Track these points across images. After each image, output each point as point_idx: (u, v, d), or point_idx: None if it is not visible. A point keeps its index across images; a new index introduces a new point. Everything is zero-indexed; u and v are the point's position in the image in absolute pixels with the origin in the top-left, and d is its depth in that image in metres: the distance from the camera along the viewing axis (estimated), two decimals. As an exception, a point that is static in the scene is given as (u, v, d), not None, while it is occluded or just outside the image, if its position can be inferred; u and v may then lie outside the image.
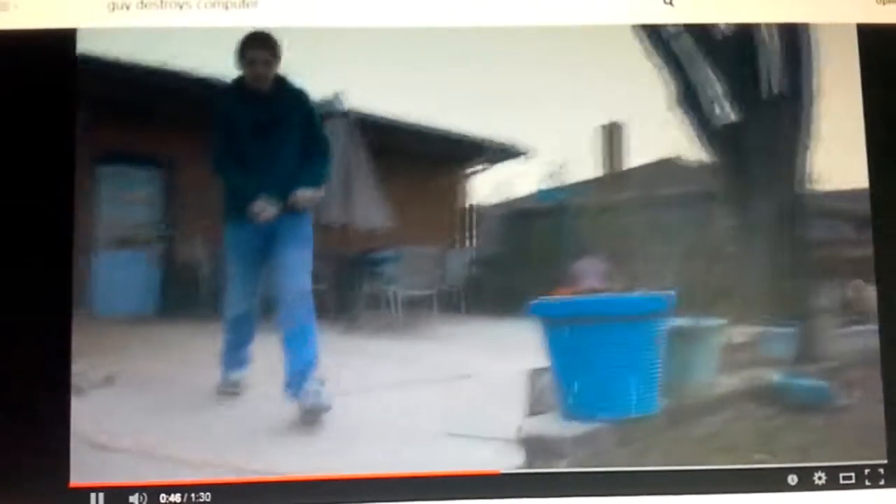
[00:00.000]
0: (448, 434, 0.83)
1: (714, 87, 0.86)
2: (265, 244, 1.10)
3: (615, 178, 0.93)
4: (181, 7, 0.74)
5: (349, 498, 0.70)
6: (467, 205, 1.04)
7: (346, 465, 0.73)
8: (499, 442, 0.81)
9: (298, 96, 0.94)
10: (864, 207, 0.83)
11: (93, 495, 0.70)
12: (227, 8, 0.74)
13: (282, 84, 0.95)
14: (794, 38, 0.80)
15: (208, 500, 0.70)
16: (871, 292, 1.00)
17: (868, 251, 0.90)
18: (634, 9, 0.74)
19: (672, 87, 0.84)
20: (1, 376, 0.70)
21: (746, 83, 0.84)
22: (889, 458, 0.74)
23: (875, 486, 0.73)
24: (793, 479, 0.72)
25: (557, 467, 0.79)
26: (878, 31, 0.75)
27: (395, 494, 0.70)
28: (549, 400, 0.89)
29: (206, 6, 0.73)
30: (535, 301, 0.88)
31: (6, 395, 0.69)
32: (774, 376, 0.87)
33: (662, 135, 0.86)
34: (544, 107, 0.83)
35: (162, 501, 0.70)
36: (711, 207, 0.99)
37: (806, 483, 0.72)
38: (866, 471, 0.73)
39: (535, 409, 0.88)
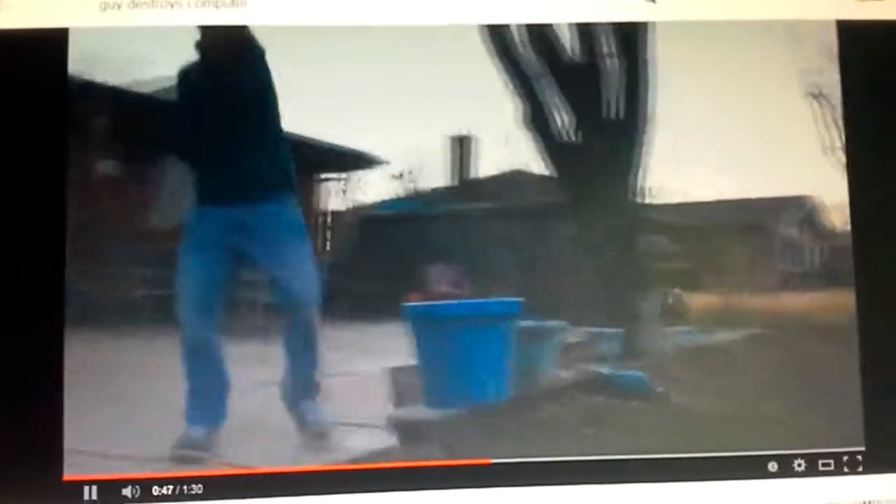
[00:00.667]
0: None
1: (559, 110, 0.92)
2: (238, 242, 0.97)
3: (465, 188, 0.97)
4: (172, 6, 0.77)
5: (339, 489, 0.71)
6: (321, 212, 1.03)
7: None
8: (371, 428, 0.89)
9: None
10: (686, 220, 0.96)
11: (86, 488, 0.70)
12: (217, 7, 0.77)
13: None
14: (635, 65, 0.88)
15: (200, 492, 0.71)
16: (687, 299, 1.14)
17: (688, 264, 1.03)
18: (613, 6, 0.78)
19: (520, 104, 0.89)
20: None
21: (589, 107, 0.91)
22: (867, 444, 0.75)
23: (854, 472, 0.74)
24: (773, 467, 0.74)
25: (425, 448, 0.87)
26: (859, 28, 0.79)
27: (387, 485, 0.71)
28: (413, 392, 0.97)
29: (196, 5, 0.77)
30: (404, 304, 0.97)
31: None
32: (603, 369, 0.98)
33: (510, 148, 0.92)
34: (396, 115, 0.87)
35: (154, 494, 0.71)
36: (554, 219, 1.07)
37: (786, 470, 0.74)
38: (845, 458, 0.75)
39: (400, 401, 0.96)
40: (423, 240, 1.08)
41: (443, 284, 1.07)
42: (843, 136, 0.80)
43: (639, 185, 0.94)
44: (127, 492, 0.70)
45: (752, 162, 0.87)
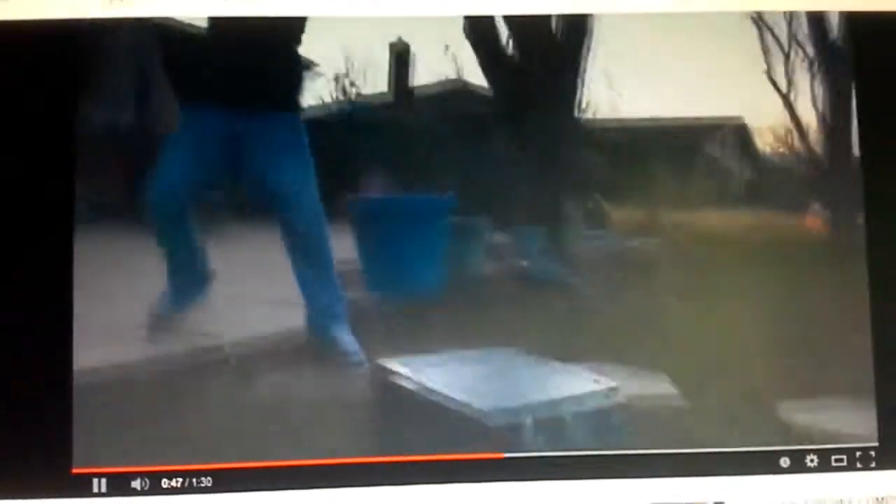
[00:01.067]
0: (267, 302, 0.94)
1: (502, 23, 0.91)
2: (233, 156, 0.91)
3: (403, 94, 0.96)
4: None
5: (353, 482, 0.70)
6: None
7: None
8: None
9: None
10: (616, 136, 0.98)
11: (95, 480, 0.69)
12: (227, -5, 0.70)
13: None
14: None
15: (209, 484, 0.69)
16: (608, 207, 1.19)
17: (612, 175, 1.07)
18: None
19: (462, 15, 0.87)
20: (1, 362, 0.69)
21: (530, 22, 0.89)
22: (880, 440, 0.74)
23: (866, 468, 0.72)
24: (785, 462, 0.72)
25: (364, 330, 0.95)
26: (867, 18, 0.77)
27: (397, 478, 0.70)
28: (357, 282, 1.01)
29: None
30: (348, 200, 1.00)
31: (7, 381, 0.69)
32: (525, 263, 1.05)
33: (450, 58, 0.90)
34: (335, 20, 0.86)
35: (164, 486, 0.69)
36: (489, 129, 1.08)
37: (798, 466, 0.72)
38: (857, 453, 0.73)
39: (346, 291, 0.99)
40: (359, 144, 1.07)
41: (378, 188, 1.08)
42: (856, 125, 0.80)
43: (574, 100, 0.93)
44: (136, 484, 0.69)
45: (686, 82, 0.86)
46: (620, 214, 1.15)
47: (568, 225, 1.15)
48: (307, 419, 0.83)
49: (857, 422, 0.75)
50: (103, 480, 0.69)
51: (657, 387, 0.87)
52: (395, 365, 0.86)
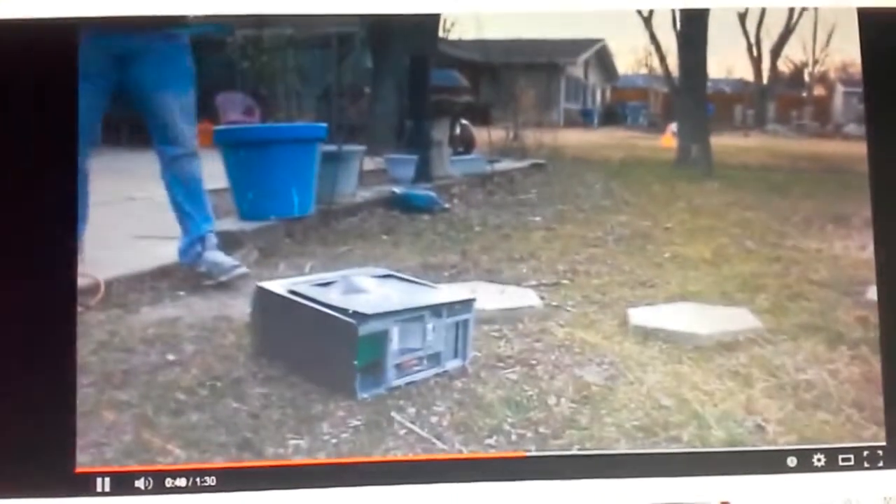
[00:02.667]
0: (134, 237, 0.96)
1: None
2: (118, 74, 0.88)
3: (257, 15, 0.94)
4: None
5: (366, 482, 0.68)
6: None
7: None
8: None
9: None
10: (480, 57, 0.99)
11: (98, 480, 0.67)
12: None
13: None
14: None
15: (213, 483, 0.67)
16: (471, 130, 1.22)
17: (477, 98, 1.09)
18: None
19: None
20: (4, 360, 0.68)
21: None
22: (888, 440, 0.71)
23: (874, 467, 0.70)
24: (792, 461, 0.69)
25: (242, 254, 0.99)
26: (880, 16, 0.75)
27: (416, 478, 0.67)
28: (227, 208, 1.06)
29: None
30: (217, 128, 1.02)
31: (10, 379, 0.67)
32: (397, 190, 1.07)
33: None
34: None
35: (167, 485, 0.67)
36: (351, 49, 1.07)
37: (805, 465, 0.69)
38: (865, 453, 0.70)
39: (216, 217, 1.02)
40: (214, 66, 1.04)
41: (234, 112, 1.05)
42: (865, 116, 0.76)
43: (439, 19, 0.93)
44: (140, 483, 0.67)
45: (549, 3, 0.87)
46: (486, 137, 1.17)
47: (437, 150, 1.16)
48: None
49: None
50: (107, 479, 0.67)
51: (523, 299, 0.92)
52: (273, 286, 0.88)
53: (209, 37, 0.99)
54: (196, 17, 0.82)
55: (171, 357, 0.81)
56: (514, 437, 0.72)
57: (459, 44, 1.04)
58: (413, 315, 0.83)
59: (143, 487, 0.67)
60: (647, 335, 0.83)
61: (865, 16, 0.75)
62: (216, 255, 0.95)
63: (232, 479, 0.68)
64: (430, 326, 0.84)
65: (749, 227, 0.98)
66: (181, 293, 0.91)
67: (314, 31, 1.06)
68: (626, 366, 0.79)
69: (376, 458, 0.70)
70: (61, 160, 0.70)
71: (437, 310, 0.84)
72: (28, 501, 0.66)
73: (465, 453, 0.70)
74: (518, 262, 0.96)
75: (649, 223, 1.02)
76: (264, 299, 0.87)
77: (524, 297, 0.91)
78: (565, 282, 0.93)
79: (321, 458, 0.70)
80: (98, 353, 0.79)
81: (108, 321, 0.84)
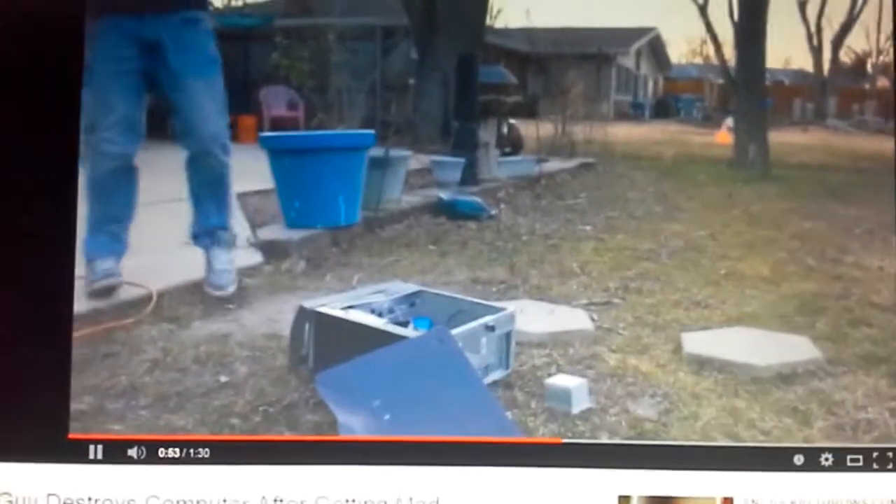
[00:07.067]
0: (183, 243, 0.95)
1: None
2: (148, 62, 0.86)
3: (300, 4, 0.92)
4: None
5: (392, 461, 0.66)
6: None
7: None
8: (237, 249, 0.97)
9: None
10: (529, 47, 0.97)
11: (91, 447, 0.66)
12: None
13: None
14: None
15: (207, 455, 0.66)
16: (519, 130, 1.19)
17: (522, 96, 1.07)
18: None
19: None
20: None
21: None
22: None
23: (883, 469, 0.68)
24: (799, 460, 0.68)
25: (289, 265, 0.98)
26: None
27: (443, 458, 0.66)
28: (272, 215, 1.06)
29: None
30: (263, 134, 1.04)
31: (4, 347, 0.66)
32: (443, 195, 1.06)
33: None
34: None
35: (160, 455, 0.66)
36: (398, 42, 1.05)
37: (812, 464, 0.68)
38: (874, 454, 0.68)
39: (259, 222, 1.04)
40: (258, 59, 1.02)
41: (278, 106, 1.04)
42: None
43: (485, 7, 0.91)
44: (133, 452, 0.66)
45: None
46: (535, 136, 1.14)
47: (485, 152, 1.13)
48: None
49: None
50: (99, 447, 0.66)
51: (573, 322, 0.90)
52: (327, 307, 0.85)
53: (246, 27, 0.97)
54: (232, 7, 0.81)
55: (223, 379, 0.81)
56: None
57: (506, 32, 1.01)
58: (469, 331, 0.82)
59: (135, 456, 0.66)
60: (702, 364, 0.81)
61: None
62: (220, 256, 0.93)
63: (225, 452, 0.67)
64: (483, 341, 0.83)
65: (808, 239, 0.95)
66: (230, 306, 0.91)
67: (359, 23, 1.03)
68: (680, 398, 0.77)
69: (403, 437, 0.67)
70: (61, 151, 0.68)
71: (489, 326, 0.83)
72: (19, 466, 0.66)
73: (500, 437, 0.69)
74: (568, 278, 0.94)
75: (704, 233, 0.99)
76: (318, 321, 0.84)
77: (574, 319, 0.89)
78: (617, 301, 0.91)
79: (330, 436, 0.71)
80: (152, 372, 0.80)
81: (160, 337, 0.85)
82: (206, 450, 0.66)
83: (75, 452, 0.66)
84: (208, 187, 0.92)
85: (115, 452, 0.66)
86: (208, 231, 0.93)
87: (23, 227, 0.68)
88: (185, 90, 0.89)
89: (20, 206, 0.68)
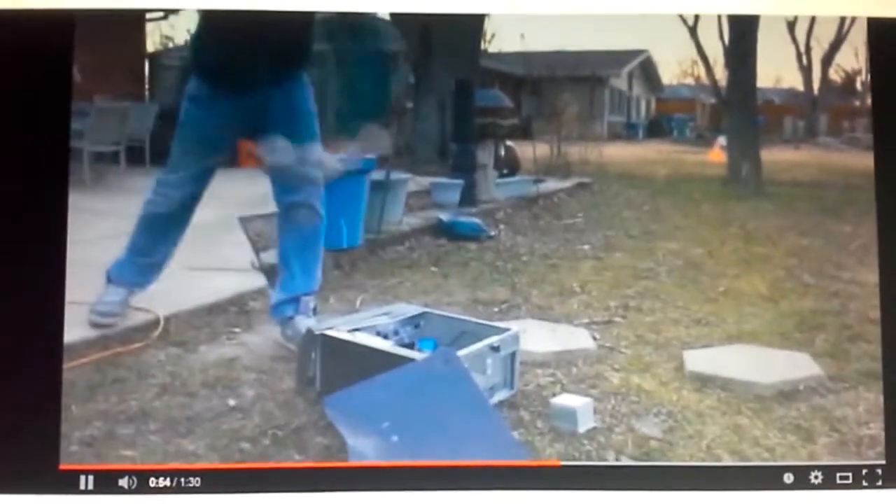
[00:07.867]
0: (188, 268, 0.94)
1: None
2: (249, 123, 0.88)
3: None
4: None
5: (388, 487, 0.68)
6: (145, 56, 0.93)
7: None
8: (238, 272, 0.98)
9: None
10: (523, 70, 0.98)
11: (82, 477, 0.68)
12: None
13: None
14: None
15: (198, 485, 0.68)
16: (515, 151, 1.20)
17: (518, 119, 1.08)
18: None
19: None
20: None
21: None
22: (888, 458, 0.71)
23: (872, 486, 0.69)
24: (788, 478, 0.69)
25: None
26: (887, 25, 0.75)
27: (442, 483, 0.68)
28: (273, 239, 1.03)
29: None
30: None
31: None
32: (443, 216, 1.06)
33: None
34: None
35: (151, 485, 0.67)
36: (396, 67, 1.06)
37: (802, 482, 0.69)
38: (864, 471, 0.69)
39: (262, 246, 1.03)
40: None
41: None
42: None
43: (481, 30, 0.92)
44: (124, 482, 0.67)
45: (592, 14, 0.85)
46: (531, 157, 1.15)
47: (483, 174, 1.15)
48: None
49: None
50: (90, 477, 0.68)
51: (576, 341, 0.91)
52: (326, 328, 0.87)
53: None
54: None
55: (232, 402, 0.82)
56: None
57: (501, 56, 1.02)
58: (474, 352, 0.84)
59: (126, 486, 0.67)
60: (704, 382, 0.83)
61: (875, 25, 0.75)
62: (306, 325, 0.91)
63: (216, 481, 0.68)
64: (489, 361, 0.84)
65: (805, 256, 0.97)
66: (236, 330, 0.92)
67: (358, 49, 1.04)
68: (684, 417, 0.79)
69: (405, 462, 0.69)
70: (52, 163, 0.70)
71: (494, 346, 0.85)
72: (11, 497, 0.66)
73: (499, 461, 0.70)
74: (569, 297, 0.96)
75: (701, 251, 1.01)
76: (325, 344, 0.86)
77: (577, 338, 0.91)
78: (618, 319, 0.93)
79: (325, 462, 0.72)
80: (161, 397, 0.80)
81: (168, 361, 0.85)
82: (198, 479, 0.68)
83: (67, 483, 0.67)
84: (301, 248, 0.93)
85: (107, 482, 0.68)
86: (294, 299, 0.92)
87: (12, 265, 0.69)
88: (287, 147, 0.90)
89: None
